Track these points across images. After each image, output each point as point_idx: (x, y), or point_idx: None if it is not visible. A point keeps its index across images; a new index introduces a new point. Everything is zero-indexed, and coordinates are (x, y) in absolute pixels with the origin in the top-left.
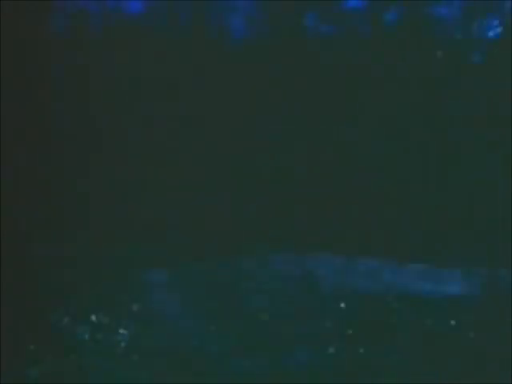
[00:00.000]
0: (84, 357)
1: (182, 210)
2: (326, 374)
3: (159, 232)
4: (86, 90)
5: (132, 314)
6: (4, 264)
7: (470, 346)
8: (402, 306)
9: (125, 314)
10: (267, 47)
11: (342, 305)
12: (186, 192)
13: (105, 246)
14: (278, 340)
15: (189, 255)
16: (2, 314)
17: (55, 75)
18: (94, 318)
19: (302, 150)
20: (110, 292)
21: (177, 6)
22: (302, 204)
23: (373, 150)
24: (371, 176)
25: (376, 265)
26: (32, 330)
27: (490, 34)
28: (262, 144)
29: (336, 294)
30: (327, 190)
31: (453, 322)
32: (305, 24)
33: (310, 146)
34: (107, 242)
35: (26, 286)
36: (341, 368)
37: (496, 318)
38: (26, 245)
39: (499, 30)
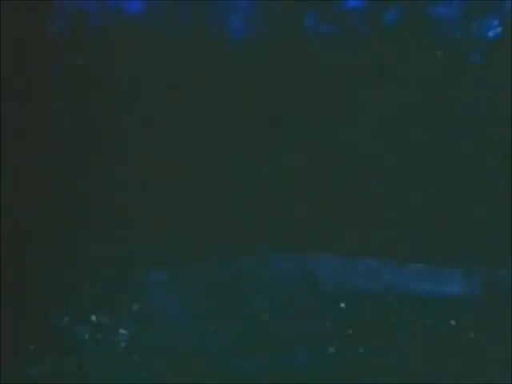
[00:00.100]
0: (84, 357)
1: (182, 210)
2: (326, 374)
3: (159, 232)
4: (86, 90)
5: (132, 314)
6: (4, 264)
7: (469, 346)
8: (401, 306)
9: (125, 314)
10: (267, 47)
11: (342, 305)
12: (186, 192)
13: (105, 246)
14: (278, 340)
15: (189, 255)
16: (2, 314)
17: (55, 75)
18: (94, 318)
19: (302, 150)
20: (110, 292)
21: (177, 6)
22: (301, 204)
23: (373, 150)
24: (371, 176)
25: (376, 265)
26: (32, 330)
27: (490, 34)
28: (261, 144)
29: (336, 294)
30: (327, 190)
31: (453, 322)
32: (305, 24)
33: (309, 146)
34: (107, 242)
35: (26, 285)
36: (341, 368)
37: (496, 318)
38: (26, 245)
39: (499, 29)
